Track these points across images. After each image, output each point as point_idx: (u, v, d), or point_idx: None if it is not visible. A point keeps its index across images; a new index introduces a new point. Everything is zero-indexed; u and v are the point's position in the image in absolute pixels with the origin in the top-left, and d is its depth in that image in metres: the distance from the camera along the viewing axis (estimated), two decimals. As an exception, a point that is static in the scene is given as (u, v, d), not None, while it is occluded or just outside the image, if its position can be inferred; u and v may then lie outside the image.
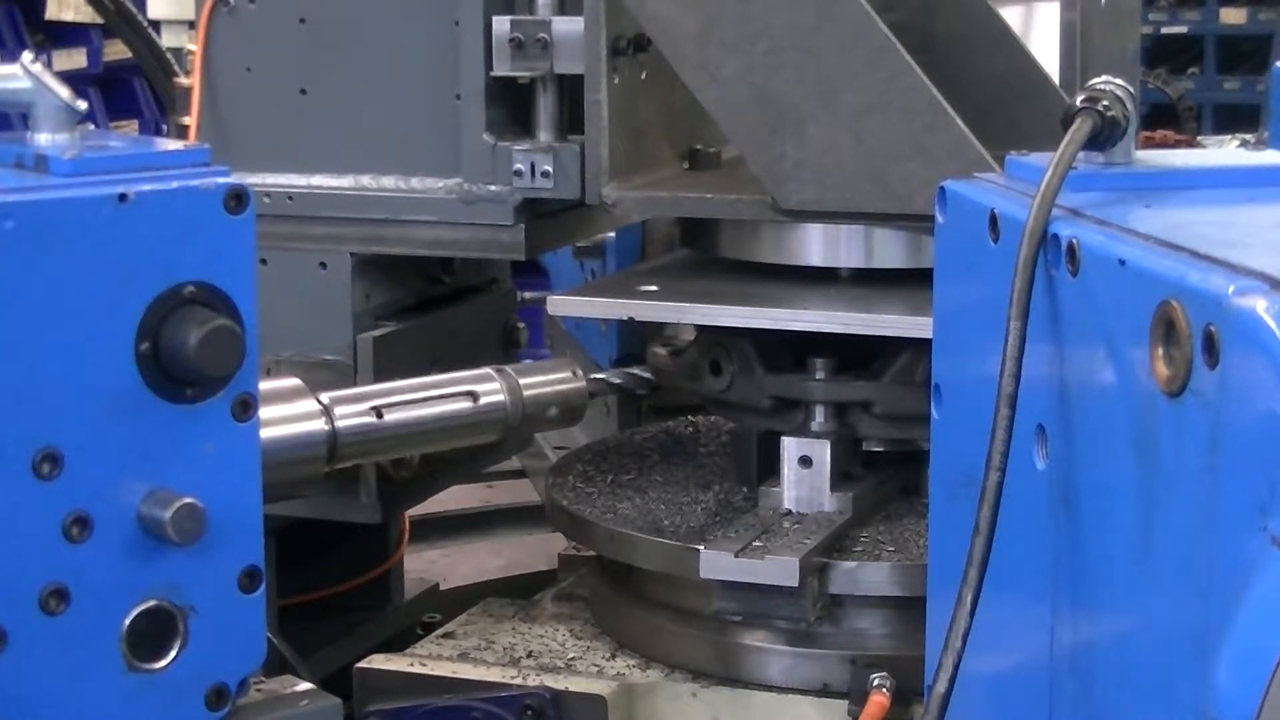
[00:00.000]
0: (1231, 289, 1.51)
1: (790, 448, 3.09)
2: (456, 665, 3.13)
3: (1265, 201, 1.95)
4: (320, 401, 2.73)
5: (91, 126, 2.26)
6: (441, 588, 3.97)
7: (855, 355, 3.13)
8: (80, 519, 2.03)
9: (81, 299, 2.01)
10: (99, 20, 6.51)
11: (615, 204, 3.13)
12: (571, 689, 3.01)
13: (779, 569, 2.89)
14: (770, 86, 2.95)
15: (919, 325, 2.87)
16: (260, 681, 2.26)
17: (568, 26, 3.14)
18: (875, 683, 2.88)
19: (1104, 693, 1.77)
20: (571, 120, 3.22)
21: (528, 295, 3.92)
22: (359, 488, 3.27)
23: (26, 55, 2.17)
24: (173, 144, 2.20)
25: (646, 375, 3.49)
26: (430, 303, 3.47)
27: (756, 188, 3.02)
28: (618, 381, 3.46)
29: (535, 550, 4.24)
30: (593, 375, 3.38)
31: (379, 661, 3.15)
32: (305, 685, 2.32)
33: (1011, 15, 3.39)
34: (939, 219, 2.16)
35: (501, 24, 3.17)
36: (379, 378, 3.15)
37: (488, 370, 3.07)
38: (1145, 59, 9.31)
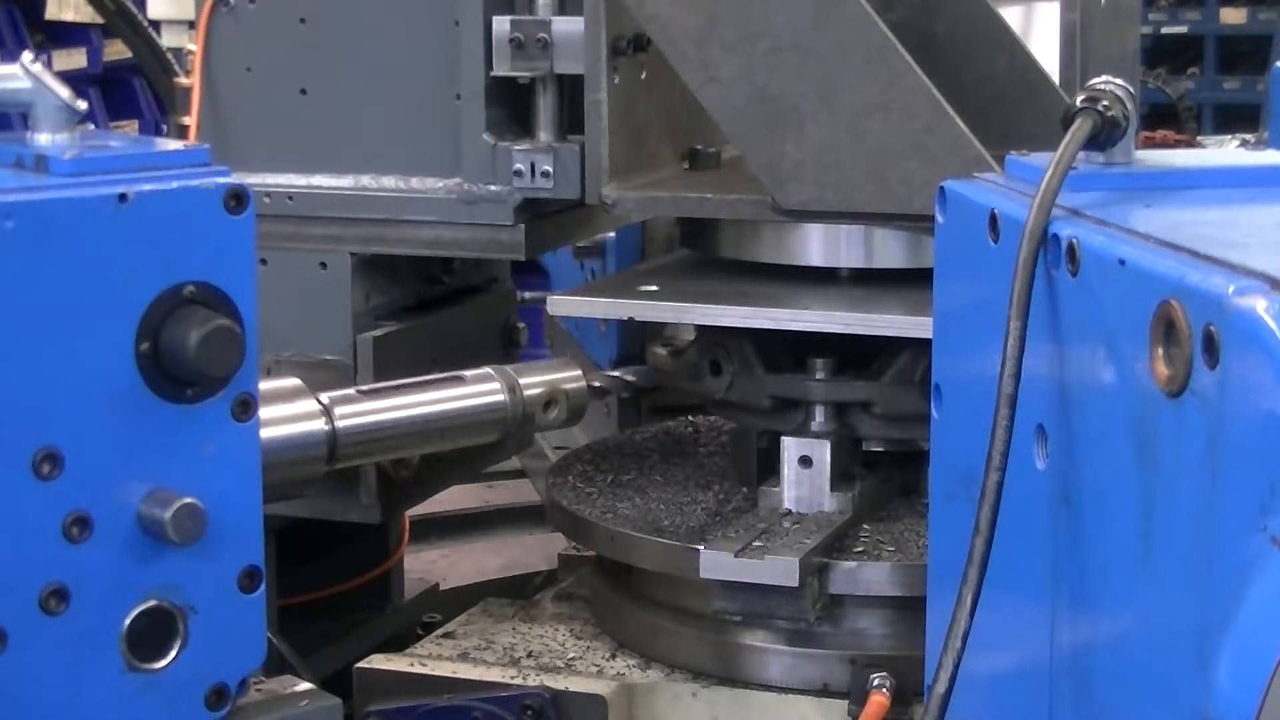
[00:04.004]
0: (1231, 289, 1.51)
1: (790, 448, 3.09)
2: (456, 665, 3.13)
3: (1265, 201, 1.95)
4: (320, 401, 2.74)
5: (91, 126, 2.26)
6: (441, 588, 3.97)
7: (855, 355, 3.13)
8: (80, 519, 2.03)
9: (81, 299, 2.01)
10: (99, 20, 6.52)
11: (615, 204, 3.12)
12: (571, 689, 3.01)
13: (779, 569, 2.89)
14: (770, 86, 2.95)
15: (919, 325, 2.87)
16: (260, 681, 2.27)
17: (568, 26, 3.14)
18: (875, 683, 2.88)
19: (1104, 693, 1.77)
20: (571, 120, 3.21)
21: (528, 295, 3.92)
22: (359, 488, 3.27)
23: (26, 55, 2.17)
24: (173, 144, 2.20)
25: (648, 374, 3.48)
26: (430, 303, 3.47)
27: (756, 188, 3.02)
28: (631, 379, 3.45)
29: (535, 550, 4.24)
30: (593, 375, 3.38)
31: (379, 661, 3.15)
32: (305, 685, 2.32)
33: (1011, 15, 3.38)
34: (939, 219, 2.16)
35: (501, 24, 3.17)
36: (379, 378, 3.15)
37: (488, 370, 3.07)
38: (1145, 59, 9.30)
